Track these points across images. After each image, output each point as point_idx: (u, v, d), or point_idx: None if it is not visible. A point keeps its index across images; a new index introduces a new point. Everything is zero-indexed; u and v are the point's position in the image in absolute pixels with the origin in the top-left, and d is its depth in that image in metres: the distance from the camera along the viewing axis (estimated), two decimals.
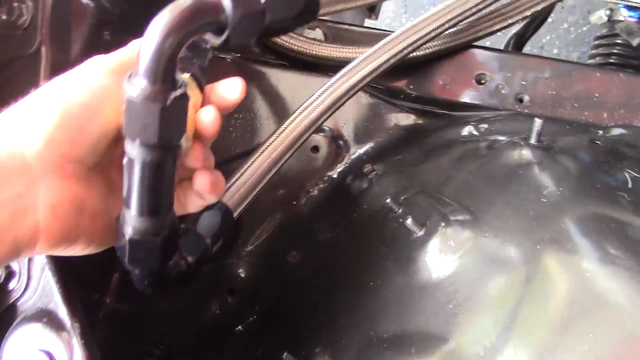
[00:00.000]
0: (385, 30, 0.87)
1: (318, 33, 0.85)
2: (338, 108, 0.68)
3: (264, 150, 0.63)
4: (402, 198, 0.67)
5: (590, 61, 0.98)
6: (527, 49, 1.17)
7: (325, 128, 0.81)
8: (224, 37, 0.43)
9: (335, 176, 0.81)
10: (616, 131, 0.76)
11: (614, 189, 0.58)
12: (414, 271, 0.60)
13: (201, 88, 0.50)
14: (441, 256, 0.59)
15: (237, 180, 0.61)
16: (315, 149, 0.82)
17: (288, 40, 0.81)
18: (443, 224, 0.60)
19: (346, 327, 0.62)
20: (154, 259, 0.46)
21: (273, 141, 0.64)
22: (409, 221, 0.61)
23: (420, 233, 0.61)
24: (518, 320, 0.52)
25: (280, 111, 0.83)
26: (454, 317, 0.55)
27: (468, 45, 0.82)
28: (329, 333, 0.63)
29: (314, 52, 0.80)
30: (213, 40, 0.44)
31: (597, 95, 0.80)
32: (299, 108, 0.66)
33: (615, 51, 0.95)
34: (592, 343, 0.49)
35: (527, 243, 0.55)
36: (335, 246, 0.72)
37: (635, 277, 0.51)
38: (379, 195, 0.71)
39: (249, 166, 0.62)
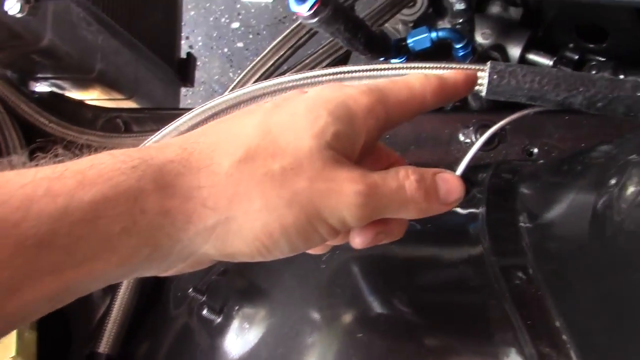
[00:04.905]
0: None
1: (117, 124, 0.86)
2: None
3: None
4: (205, 284, 0.67)
5: None
6: None
7: None
8: None
9: None
10: None
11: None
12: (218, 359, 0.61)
13: None
14: (238, 340, 0.60)
15: None
16: None
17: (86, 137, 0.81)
18: (237, 307, 0.62)
19: None
20: None
21: None
22: (205, 311, 0.62)
23: (219, 320, 0.62)
24: None
25: None
26: None
27: None
28: None
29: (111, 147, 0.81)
30: None
31: (388, 136, 0.84)
32: None
33: None
34: None
35: (312, 313, 0.58)
36: (158, 344, 0.72)
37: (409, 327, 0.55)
38: (186, 282, 0.72)
39: None
